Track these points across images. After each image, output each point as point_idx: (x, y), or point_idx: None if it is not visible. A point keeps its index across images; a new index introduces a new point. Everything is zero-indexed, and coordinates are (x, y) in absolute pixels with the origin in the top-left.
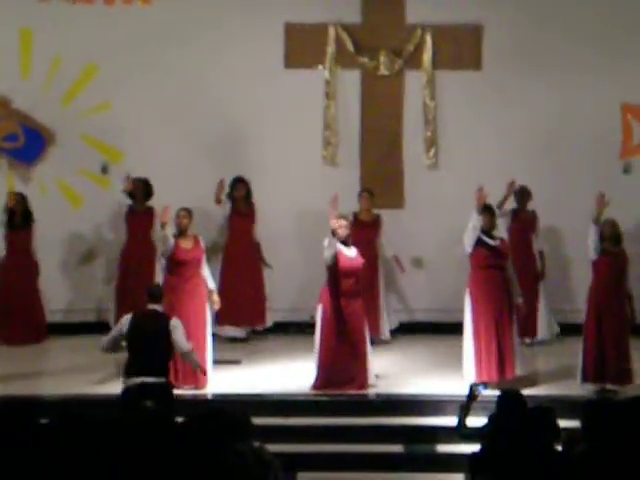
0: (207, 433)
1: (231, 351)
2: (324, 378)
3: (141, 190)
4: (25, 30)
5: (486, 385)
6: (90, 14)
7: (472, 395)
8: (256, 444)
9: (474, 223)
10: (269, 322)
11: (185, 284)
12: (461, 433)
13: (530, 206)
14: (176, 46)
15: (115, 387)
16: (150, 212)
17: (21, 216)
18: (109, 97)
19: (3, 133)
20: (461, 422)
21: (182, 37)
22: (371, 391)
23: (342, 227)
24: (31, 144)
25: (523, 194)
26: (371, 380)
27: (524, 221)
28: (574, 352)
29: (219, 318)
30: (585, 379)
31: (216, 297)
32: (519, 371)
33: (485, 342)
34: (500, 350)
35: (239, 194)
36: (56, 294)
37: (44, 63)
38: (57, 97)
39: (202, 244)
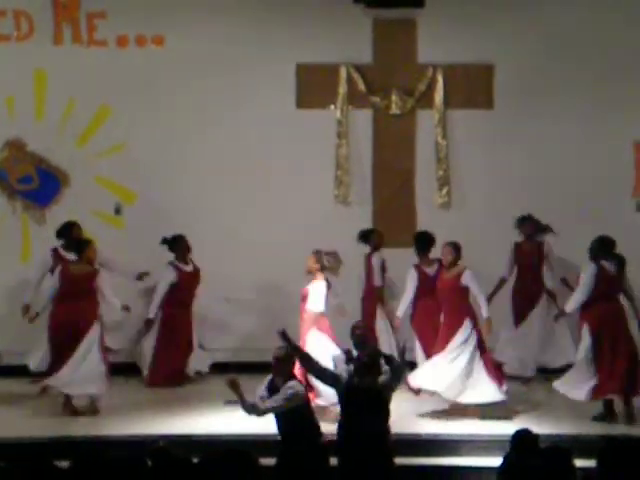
0: (219, 474)
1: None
2: None
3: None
4: (39, 72)
5: None
6: (103, 56)
7: None
8: None
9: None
10: None
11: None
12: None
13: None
14: (188, 87)
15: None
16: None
17: None
18: (122, 138)
19: (18, 175)
20: None
21: (194, 78)
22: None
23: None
24: (46, 186)
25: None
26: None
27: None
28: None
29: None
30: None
31: None
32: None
33: None
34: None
35: None
36: None
37: (58, 105)
38: (71, 139)
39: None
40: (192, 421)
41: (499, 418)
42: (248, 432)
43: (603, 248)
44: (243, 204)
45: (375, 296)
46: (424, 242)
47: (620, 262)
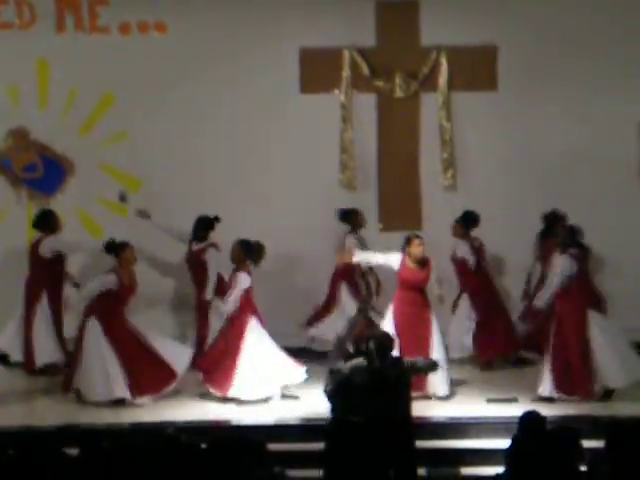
0: (227, 459)
1: None
2: None
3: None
4: (42, 61)
5: None
6: (106, 44)
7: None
8: (277, 469)
9: None
10: None
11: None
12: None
13: None
14: (192, 73)
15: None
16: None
17: None
18: (126, 126)
19: (22, 164)
20: None
21: (198, 64)
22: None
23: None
24: (50, 174)
25: None
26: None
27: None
28: None
29: None
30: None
31: None
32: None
33: None
34: None
35: None
36: None
37: (61, 93)
38: (75, 127)
39: None
40: (202, 408)
41: (506, 401)
42: (257, 419)
43: (575, 237)
44: (247, 189)
45: None
46: (471, 219)
47: (587, 252)
